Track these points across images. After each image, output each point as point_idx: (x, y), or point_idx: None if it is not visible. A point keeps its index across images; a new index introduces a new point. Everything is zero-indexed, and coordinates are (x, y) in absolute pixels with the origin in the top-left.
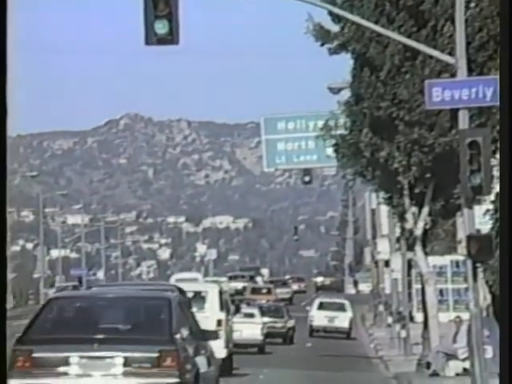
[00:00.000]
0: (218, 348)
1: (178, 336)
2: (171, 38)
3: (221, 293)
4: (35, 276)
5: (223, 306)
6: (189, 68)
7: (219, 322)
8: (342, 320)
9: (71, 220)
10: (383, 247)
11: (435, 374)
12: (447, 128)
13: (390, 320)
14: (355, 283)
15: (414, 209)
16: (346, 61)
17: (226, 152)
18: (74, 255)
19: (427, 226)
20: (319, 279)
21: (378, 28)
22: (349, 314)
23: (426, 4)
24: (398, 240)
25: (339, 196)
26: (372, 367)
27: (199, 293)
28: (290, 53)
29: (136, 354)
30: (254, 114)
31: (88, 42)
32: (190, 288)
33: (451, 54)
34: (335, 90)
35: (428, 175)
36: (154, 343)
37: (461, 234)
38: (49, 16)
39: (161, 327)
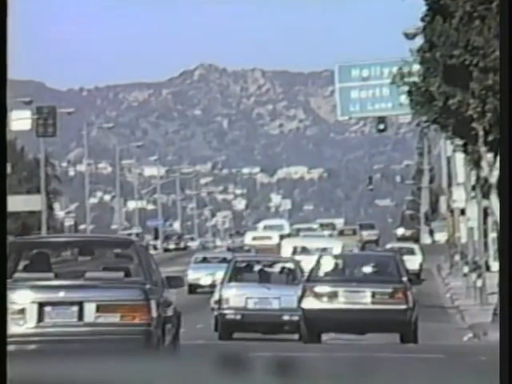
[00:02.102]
0: None
1: (403, 279)
2: None
3: (343, 247)
4: (113, 227)
5: None
6: (262, 16)
7: None
8: (412, 263)
9: (147, 171)
10: (459, 195)
11: None
12: None
13: (466, 269)
14: (431, 232)
15: (490, 156)
16: (421, 5)
17: (300, 101)
18: (150, 206)
19: None
20: (399, 231)
21: None
22: (419, 257)
23: None
24: (473, 188)
25: (415, 144)
26: (448, 317)
27: (325, 249)
28: None
29: (379, 289)
30: (328, 62)
31: None
32: (318, 245)
33: None
34: (410, 36)
35: None
36: (389, 283)
37: None
38: None
39: (392, 273)
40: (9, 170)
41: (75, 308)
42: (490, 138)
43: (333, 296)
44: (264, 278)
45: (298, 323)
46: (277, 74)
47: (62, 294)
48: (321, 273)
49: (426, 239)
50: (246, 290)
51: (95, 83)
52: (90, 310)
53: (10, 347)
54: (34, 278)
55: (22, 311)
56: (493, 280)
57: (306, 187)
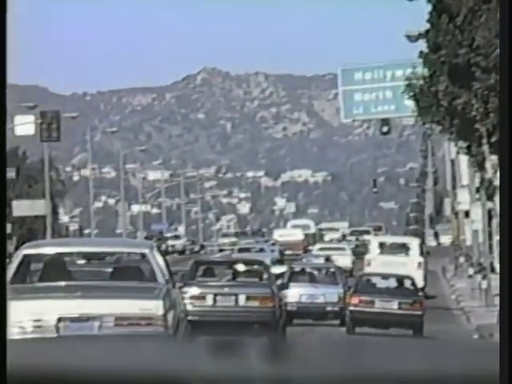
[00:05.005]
0: (418, 281)
1: (420, 293)
2: None
3: (420, 244)
4: (118, 232)
5: (422, 252)
6: (265, 20)
7: (419, 264)
8: (344, 258)
9: (151, 176)
10: (463, 198)
11: None
12: None
13: (471, 271)
14: (436, 235)
15: (494, 157)
16: (424, 7)
17: (303, 104)
18: (154, 210)
19: None
20: None
21: None
22: (348, 253)
23: None
24: (477, 190)
25: (418, 147)
26: (453, 319)
27: (405, 244)
28: (367, 1)
29: (403, 300)
30: (331, 65)
31: None
32: (398, 241)
33: None
34: (413, 38)
35: None
36: (409, 296)
37: None
38: None
39: (409, 288)
40: (13, 174)
41: (233, 297)
42: (494, 139)
43: (371, 303)
44: (312, 279)
45: (340, 313)
46: (280, 78)
47: (226, 290)
48: (360, 286)
49: (431, 242)
50: (300, 289)
51: (98, 88)
52: (242, 299)
53: (196, 318)
54: (209, 280)
55: (203, 298)
56: (498, 282)
57: (311, 190)
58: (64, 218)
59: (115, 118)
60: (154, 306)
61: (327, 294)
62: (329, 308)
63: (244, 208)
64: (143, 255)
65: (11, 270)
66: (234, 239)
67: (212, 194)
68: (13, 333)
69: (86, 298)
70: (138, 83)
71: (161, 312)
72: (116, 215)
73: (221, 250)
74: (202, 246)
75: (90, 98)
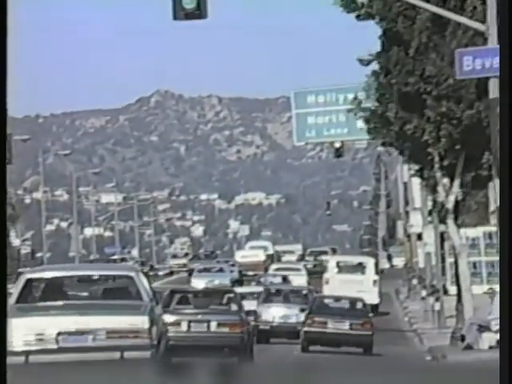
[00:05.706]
0: (373, 298)
1: (370, 314)
2: (199, 12)
3: (376, 264)
4: (70, 255)
5: (377, 271)
6: (218, 43)
7: (375, 282)
8: (300, 279)
9: (105, 198)
10: (416, 220)
11: (469, 347)
12: (473, 100)
13: (423, 293)
14: (389, 257)
15: (446, 181)
16: (374, 30)
17: (257, 127)
18: (107, 233)
19: (459, 198)
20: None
21: None
22: (304, 274)
23: None
24: (430, 213)
25: (371, 170)
26: (406, 341)
27: (361, 263)
28: (319, 26)
29: (354, 321)
30: (285, 89)
31: (117, 20)
32: (354, 260)
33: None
34: (365, 62)
35: (458, 147)
36: (360, 317)
37: (493, 205)
38: None
39: (361, 309)
40: None
41: (205, 324)
42: (446, 162)
43: (324, 323)
44: (286, 300)
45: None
46: (233, 101)
47: (199, 317)
48: (314, 307)
49: (384, 264)
50: (274, 309)
51: (51, 110)
52: (214, 325)
53: (171, 342)
54: (183, 308)
55: (179, 324)
56: (450, 303)
57: (264, 213)
58: (15, 242)
59: (68, 140)
60: (140, 321)
61: (299, 315)
62: (300, 328)
63: (198, 231)
64: (130, 277)
65: (16, 291)
66: (183, 260)
67: (166, 217)
68: (18, 345)
69: (81, 314)
70: (92, 105)
71: (146, 326)
72: (69, 238)
73: (171, 272)
74: (152, 268)
75: (43, 120)
